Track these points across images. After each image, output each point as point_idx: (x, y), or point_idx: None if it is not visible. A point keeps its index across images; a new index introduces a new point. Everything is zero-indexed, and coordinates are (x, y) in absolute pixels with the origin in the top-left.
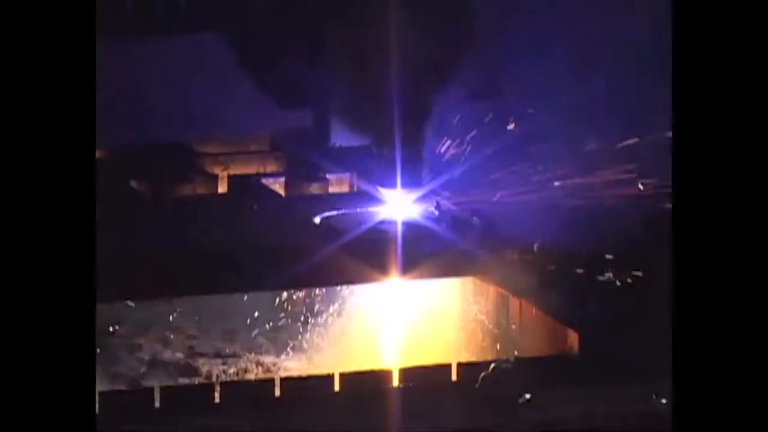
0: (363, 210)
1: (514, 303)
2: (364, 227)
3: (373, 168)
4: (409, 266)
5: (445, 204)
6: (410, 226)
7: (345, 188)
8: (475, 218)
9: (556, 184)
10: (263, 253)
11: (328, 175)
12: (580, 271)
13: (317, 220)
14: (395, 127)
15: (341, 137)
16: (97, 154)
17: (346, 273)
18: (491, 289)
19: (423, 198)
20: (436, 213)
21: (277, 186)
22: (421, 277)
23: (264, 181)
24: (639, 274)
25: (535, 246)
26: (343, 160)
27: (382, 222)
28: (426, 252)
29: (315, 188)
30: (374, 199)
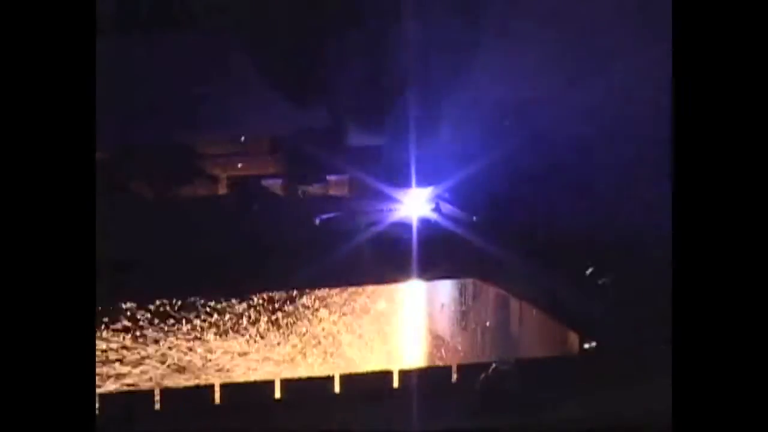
0: (366, 211)
1: (514, 303)
2: (365, 228)
3: (385, 167)
4: (410, 268)
5: (445, 205)
6: (410, 227)
7: (344, 190)
8: (474, 218)
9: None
10: (263, 254)
11: (328, 177)
12: (580, 270)
13: (317, 221)
14: (409, 125)
15: (354, 137)
16: (97, 154)
17: (347, 275)
18: (491, 290)
19: (427, 198)
20: (436, 214)
21: (278, 187)
22: (422, 278)
23: (264, 182)
24: (639, 272)
25: (536, 247)
26: (355, 159)
27: (382, 224)
28: (427, 253)
29: (315, 189)
30: (379, 200)
